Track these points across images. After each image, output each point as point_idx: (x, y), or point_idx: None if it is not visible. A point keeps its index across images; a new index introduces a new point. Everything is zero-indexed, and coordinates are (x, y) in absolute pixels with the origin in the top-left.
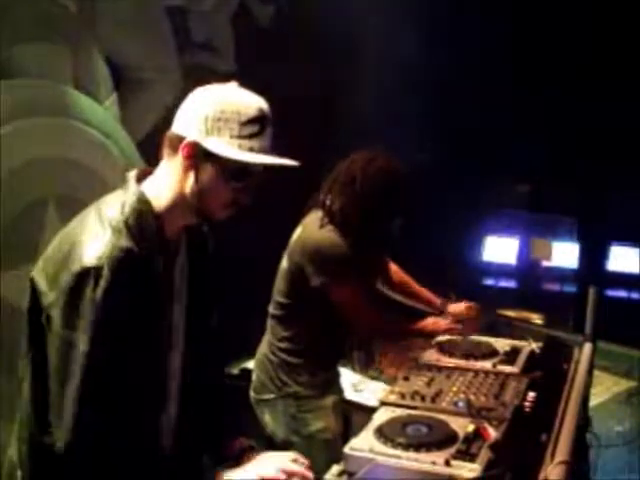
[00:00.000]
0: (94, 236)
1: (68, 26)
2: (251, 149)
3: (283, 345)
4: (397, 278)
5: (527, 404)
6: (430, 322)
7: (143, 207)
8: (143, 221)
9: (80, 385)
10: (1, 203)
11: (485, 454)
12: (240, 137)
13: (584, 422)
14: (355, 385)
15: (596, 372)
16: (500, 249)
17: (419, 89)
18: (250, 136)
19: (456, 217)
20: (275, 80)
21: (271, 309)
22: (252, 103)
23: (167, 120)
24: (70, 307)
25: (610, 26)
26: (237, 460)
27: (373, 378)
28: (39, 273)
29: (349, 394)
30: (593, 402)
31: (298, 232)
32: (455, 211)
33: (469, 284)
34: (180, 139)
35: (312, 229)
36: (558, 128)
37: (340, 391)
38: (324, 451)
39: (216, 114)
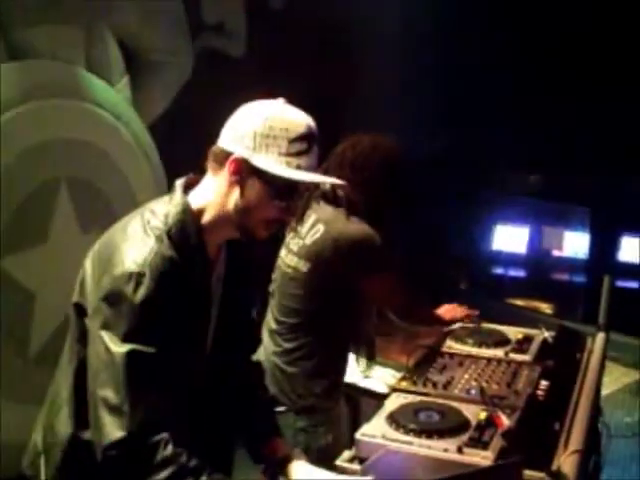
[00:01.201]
0: (137, 242)
1: (81, 8)
2: (298, 167)
3: (298, 354)
4: None
5: (540, 393)
6: (447, 309)
7: (187, 219)
8: (186, 233)
9: (123, 388)
10: (13, 184)
11: (498, 442)
12: (288, 155)
13: (596, 411)
14: (364, 371)
15: (606, 362)
16: (510, 238)
17: (432, 77)
18: (298, 154)
19: (466, 205)
20: (288, 64)
21: (283, 317)
22: (300, 120)
23: (178, 103)
24: (109, 310)
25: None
26: (279, 467)
27: (382, 365)
28: (89, 269)
29: (358, 380)
30: (603, 393)
31: (321, 231)
32: (465, 199)
33: (479, 273)
34: (227, 154)
35: (339, 224)
36: (572, 118)
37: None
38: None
39: (265, 130)
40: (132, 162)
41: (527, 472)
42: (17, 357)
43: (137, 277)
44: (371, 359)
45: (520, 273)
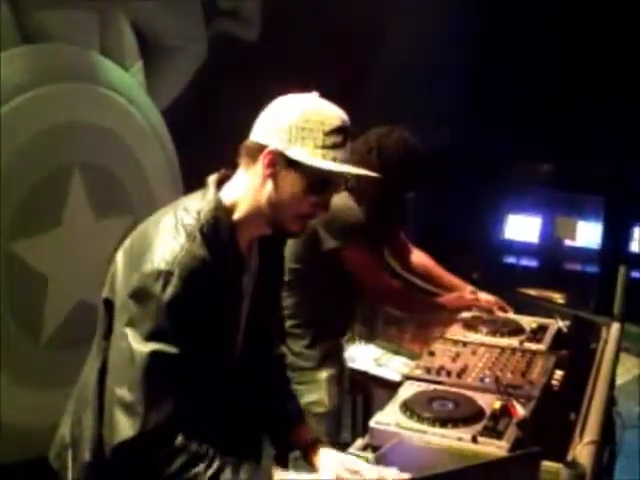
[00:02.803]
0: (168, 240)
1: None
2: (334, 159)
3: (286, 312)
4: (418, 261)
5: (555, 382)
6: (454, 297)
7: (220, 215)
8: (218, 230)
9: (141, 387)
10: (27, 168)
11: (512, 431)
12: (324, 147)
13: (611, 401)
14: (377, 359)
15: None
16: (522, 227)
17: (447, 67)
18: (333, 146)
19: (478, 194)
20: (303, 50)
21: None
22: (335, 113)
23: (192, 88)
24: (136, 307)
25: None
26: (304, 452)
27: (395, 353)
28: (120, 264)
29: (371, 368)
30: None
31: None
32: (478, 188)
33: (491, 262)
34: (261, 148)
35: (334, 200)
36: (586, 107)
37: (341, 365)
38: (315, 424)
39: (300, 123)
40: (145, 147)
41: (543, 462)
42: (29, 341)
43: (166, 276)
44: (370, 339)
45: (532, 263)
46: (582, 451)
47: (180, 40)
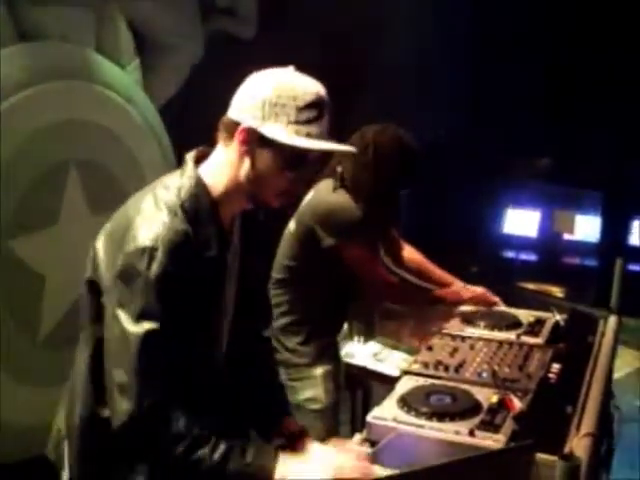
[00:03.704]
0: (149, 218)
1: None
2: (308, 135)
3: (280, 310)
4: (409, 257)
5: (552, 376)
6: (451, 291)
7: (200, 191)
8: (199, 205)
9: (135, 367)
10: (23, 166)
11: (509, 425)
12: (297, 123)
13: (608, 395)
14: (376, 355)
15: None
16: (521, 221)
17: (447, 64)
18: (307, 122)
19: (477, 189)
20: (300, 47)
21: (274, 273)
22: (309, 88)
23: (189, 86)
24: (124, 286)
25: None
26: (289, 443)
27: (393, 348)
28: (101, 247)
29: (370, 364)
30: (613, 376)
31: (309, 196)
32: (476, 182)
33: (489, 256)
34: (236, 124)
35: (324, 193)
36: (584, 102)
37: (336, 361)
38: (313, 421)
39: (272, 99)
40: (142, 144)
41: (539, 455)
42: (27, 339)
43: (150, 252)
44: (368, 336)
45: (531, 257)
46: (578, 444)
47: (177, 38)
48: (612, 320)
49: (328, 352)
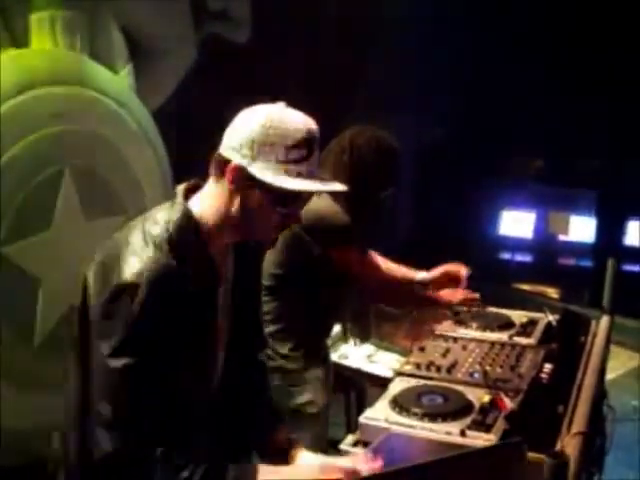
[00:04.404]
0: (136, 253)
1: None
2: (298, 174)
3: (269, 317)
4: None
5: (543, 375)
6: (446, 292)
7: (188, 225)
8: (187, 239)
9: (115, 401)
10: (18, 172)
11: (501, 425)
12: (287, 162)
13: (601, 394)
14: (369, 356)
15: (611, 347)
16: (517, 223)
17: (439, 64)
18: (297, 161)
19: (473, 190)
20: (295, 50)
21: (262, 281)
22: (299, 126)
23: (181, 91)
24: (106, 322)
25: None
26: (283, 456)
27: (387, 349)
28: (91, 278)
29: (363, 365)
30: (608, 376)
31: None
32: (472, 184)
33: (485, 258)
34: (226, 162)
35: (312, 201)
36: (578, 104)
37: (328, 365)
38: (310, 425)
39: (262, 138)
40: (136, 150)
41: (530, 454)
42: (23, 345)
43: (133, 288)
44: (364, 338)
45: (527, 258)
46: (569, 443)
47: (169, 42)
48: (604, 320)
49: (320, 355)
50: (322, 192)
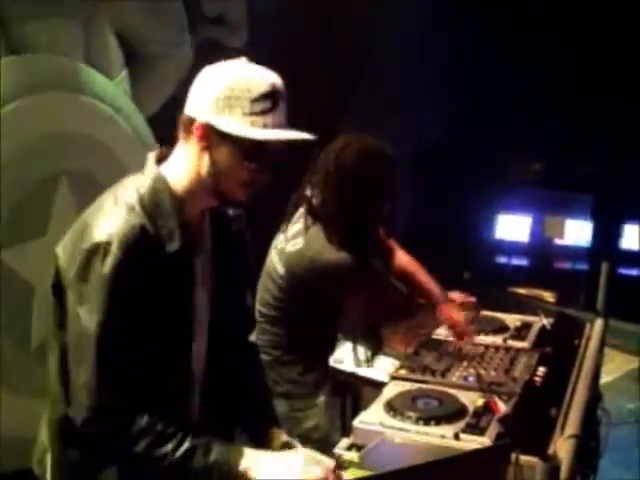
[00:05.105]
0: (106, 215)
1: (80, 2)
2: (264, 125)
3: (274, 343)
4: (398, 265)
5: (537, 379)
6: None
7: (160, 186)
8: (159, 200)
9: (93, 363)
10: (14, 177)
11: (494, 428)
12: (252, 114)
13: (595, 398)
14: (366, 362)
15: (608, 350)
16: (513, 226)
17: (436, 66)
18: (262, 112)
19: (469, 194)
20: (291, 53)
21: (262, 308)
22: (263, 78)
23: (178, 96)
24: (82, 284)
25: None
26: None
27: (383, 353)
28: (61, 251)
29: (359, 369)
30: (604, 379)
31: (300, 245)
32: (468, 188)
33: (481, 262)
34: (192, 121)
35: (318, 246)
36: (573, 107)
37: (328, 391)
38: (316, 450)
39: (226, 92)
40: (132, 155)
41: (522, 457)
42: (17, 350)
43: (104, 247)
44: (376, 351)
45: (522, 261)
46: (562, 445)
47: (165, 48)
48: (598, 323)
49: (325, 380)
50: (289, 140)
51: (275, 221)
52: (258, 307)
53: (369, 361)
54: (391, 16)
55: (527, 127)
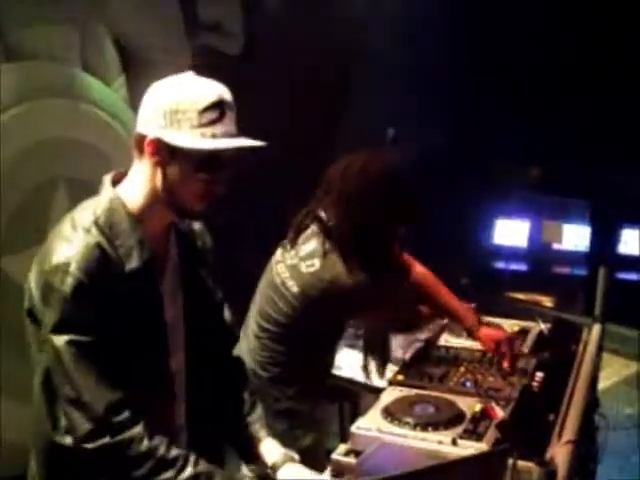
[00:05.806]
0: (65, 239)
1: (77, 8)
2: (214, 135)
3: (276, 360)
4: (415, 278)
5: (535, 384)
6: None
7: (115, 207)
8: (115, 220)
9: (69, 383)
10: (11, 184)
11: (492, 433)
12: (201, 125)
13: (592, 403)
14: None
15: (606, 355)
16: (511, 232)
17: (435, 73)
18: (211, 123)
19: (467, 199)
20: (287, 61)
21: (260, 319)
22: (209, 89)
23: None
24: (45, 307)
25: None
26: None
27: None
28: (31, 277)
29: (357, 375)
30: (603, 385)
31: (316, 267)
32: (466, 193)
33: (479, 267)
34: (143, 137)
35: (336, 270)
36: (571, 111)
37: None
38: (315, 465)
39: (173, 106)
40: (129, 162)
41: (519, 462)
42: (17, 357)
43: (64, 268)
44: (384, 363)
45: (521, 267)
46: (559, 451)
47: (162, 54)
48: (596, 328)
49: (323, 396)
50: (239, 148)
51: (266, 235)
52: (259, 320)
53: (381, 373)
54: (390, 18)
55: (525, 132)
